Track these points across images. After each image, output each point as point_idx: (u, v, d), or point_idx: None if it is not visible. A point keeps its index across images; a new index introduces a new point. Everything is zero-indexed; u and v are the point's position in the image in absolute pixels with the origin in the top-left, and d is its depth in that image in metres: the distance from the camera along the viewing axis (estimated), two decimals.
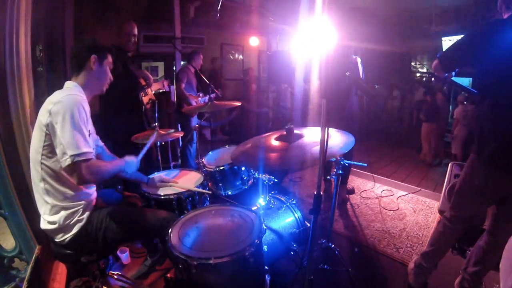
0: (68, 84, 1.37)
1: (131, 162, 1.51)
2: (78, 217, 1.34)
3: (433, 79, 1.75)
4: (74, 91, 1.32)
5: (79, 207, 1.34)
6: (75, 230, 1.33)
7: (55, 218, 1.30)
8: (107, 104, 2.63)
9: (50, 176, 1.28)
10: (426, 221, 2.65)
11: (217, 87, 3.74)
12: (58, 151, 1.21)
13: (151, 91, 2.93)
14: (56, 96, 1.27)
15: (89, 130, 1.31)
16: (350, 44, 2.71)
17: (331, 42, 2.61)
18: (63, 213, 1.30)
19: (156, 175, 1.91)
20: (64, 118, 1.19)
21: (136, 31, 2.61)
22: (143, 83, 2.79)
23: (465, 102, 4.57)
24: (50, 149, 1.25)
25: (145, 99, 2.78)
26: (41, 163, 1.26)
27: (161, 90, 3.29)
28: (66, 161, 1.18)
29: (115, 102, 2.56)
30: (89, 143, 1.25)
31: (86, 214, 1.37)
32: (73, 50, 1.40)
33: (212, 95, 3.41)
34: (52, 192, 1.29)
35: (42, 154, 1.25)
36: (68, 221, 1.31)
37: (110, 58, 1.47)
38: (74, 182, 1.24)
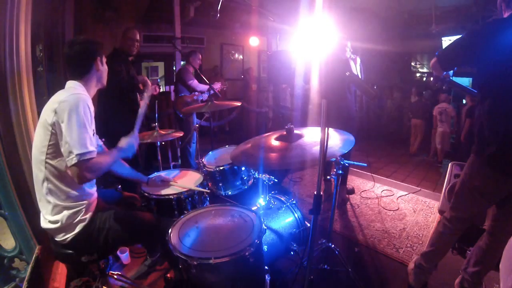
0: (71, 83, 1.36)
1: (129, 144, 1.48)
2: (81, 216, 1.34)
3: (432, 78, 1.76)
4: (78, 90, 1.32)
5: (81, 207, 1.34)
6: (77, 229, 1.33)
7: (57, 217, 1.29)
8: (107, 104, 2.71)
9: (54, 176, 1.28)
10: (426, 221, 2.65)
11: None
12: (63, 149, 1.20)
13: (146, 95, 3.03)
14: (61, 95, 1.26)
15: (93, 129, 1.31)
16: (344, 39, 2.70)
17: (331, 42, 2.61)
18: (65, 213, 1.30)
19: (156, 175, 1.91)
20: (70, 117, 1.19)
21: (139, 37, 2.79)
22: (141, 87, 2.92)
23: (466, 101, 4.75)
24: (55, 148, 1.24)
25: (142, 103, 2.89)
26: (46, 162, 1.26)
27: (153, 94, 3.40)
28: (72, 160, 1.18)
29: (115, 103, 2.65)
30: (93, 141, 1.26)
31: (89, 214, 1.37)
32: (74, 55, 1.36)
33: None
34: (55, 191, 1.29)
35: (47, 154, 1.25)
36: (70, 221, 1.31)
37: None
38: (75, 180, 1.24)
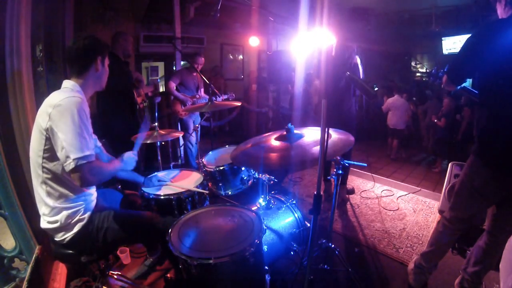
0: (67, 83, 1.34)
1: (129, 159, 1.51)
2: (80, 216, 1.34)
3: (430, 77, 1.76)
4: (73, 92, 1.29)
5: (80, 207, 1.34)
6: (76, 229, 1.33)
7: (56, 217, 1.30)
8: (106, 105, 2.78)
9: (51, 179, 1.27)
10: (426, 221, 2.65)
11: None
12: (60, 154, 1.19)
13: (143, 93, 3.09)
14: (55, 98, 1.24)
15: (91, 131, 1.30)
16: (351, 45, 2.70)
17: (332, 42, 2.61)
18: (64, 213, 1.30)
19: (153, 175, 1.91)
20: (65, 121, 1.18)
21: (131, 40, 2.97)
22: (136, 84, 3.06)
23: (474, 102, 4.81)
24: (50, 152, 1.23)
25: (139, 100, 2.98)
26: (43, 166, 1.25)
27: (149, 94, 3.43)
28: (70, 164, 1.17)
29: (113, 103, 2.72)
30: (90, 144, 1.24)
31: (88, 213, 1.37)
32: (75, 51, 1.33)
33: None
34: (53, 194, 1.29)
35: (43, 158, 1.24)
36: (69, 220, 1.31)
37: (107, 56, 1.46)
38: (77, 185, 1.23)
